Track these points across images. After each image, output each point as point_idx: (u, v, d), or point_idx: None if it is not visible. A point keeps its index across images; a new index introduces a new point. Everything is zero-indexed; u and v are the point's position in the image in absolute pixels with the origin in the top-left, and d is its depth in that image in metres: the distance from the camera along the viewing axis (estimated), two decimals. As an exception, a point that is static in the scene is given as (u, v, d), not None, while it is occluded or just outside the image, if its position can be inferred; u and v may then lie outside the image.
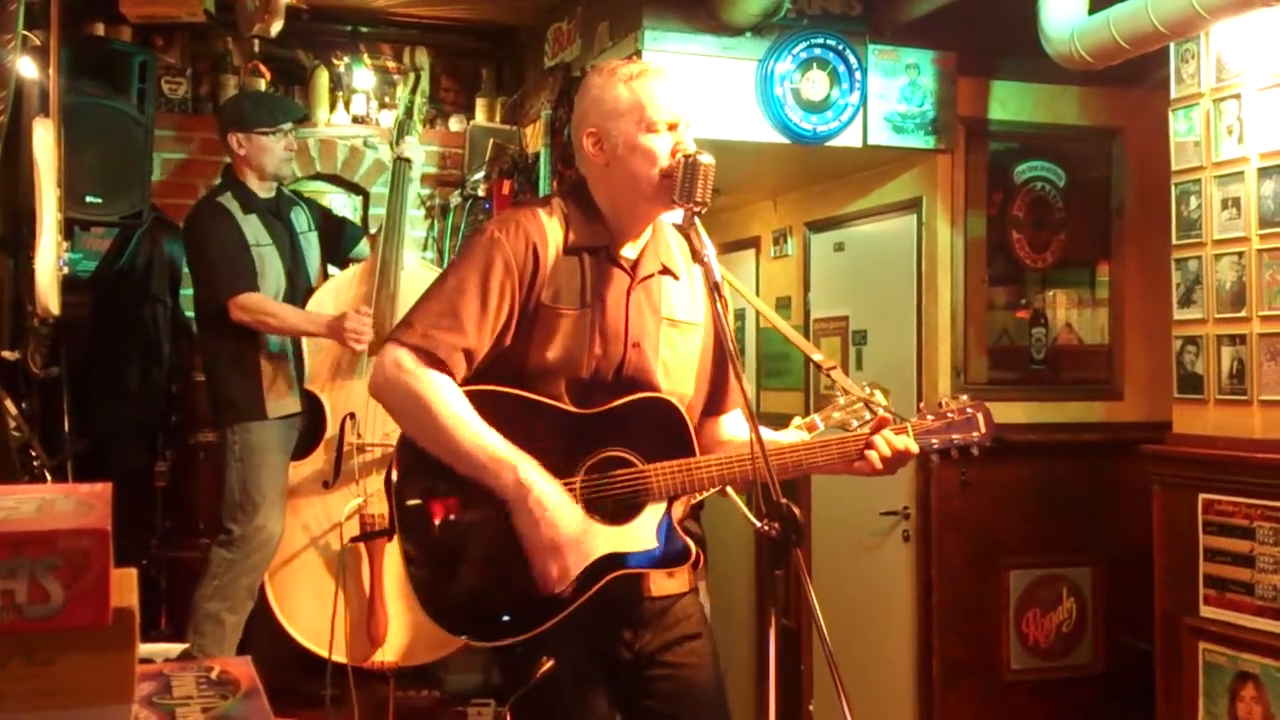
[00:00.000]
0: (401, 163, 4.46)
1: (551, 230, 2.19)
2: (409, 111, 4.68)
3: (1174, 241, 3.58)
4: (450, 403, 2.05)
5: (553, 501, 2.03)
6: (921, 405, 2.42)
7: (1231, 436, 3.36)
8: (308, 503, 4.15)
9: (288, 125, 4.29)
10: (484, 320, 2.11)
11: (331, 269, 4.49)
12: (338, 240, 4.53)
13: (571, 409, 2.15)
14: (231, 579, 3.99)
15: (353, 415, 4.14)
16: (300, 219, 4.37)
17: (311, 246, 4.37)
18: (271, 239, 4.20)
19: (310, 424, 4.20)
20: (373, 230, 4.65)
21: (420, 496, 2.17)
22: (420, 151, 4.61)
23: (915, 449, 2.28)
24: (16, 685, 1.00)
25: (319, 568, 4.13)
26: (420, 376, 2.06)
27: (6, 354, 3.98)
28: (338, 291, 4.25)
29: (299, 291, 4.23)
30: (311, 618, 4.08)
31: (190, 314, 4.93)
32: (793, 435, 2.46)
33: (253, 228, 4.17)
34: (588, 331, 2.16)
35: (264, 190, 4.26)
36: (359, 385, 4.13)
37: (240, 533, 4.00)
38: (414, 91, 4.75)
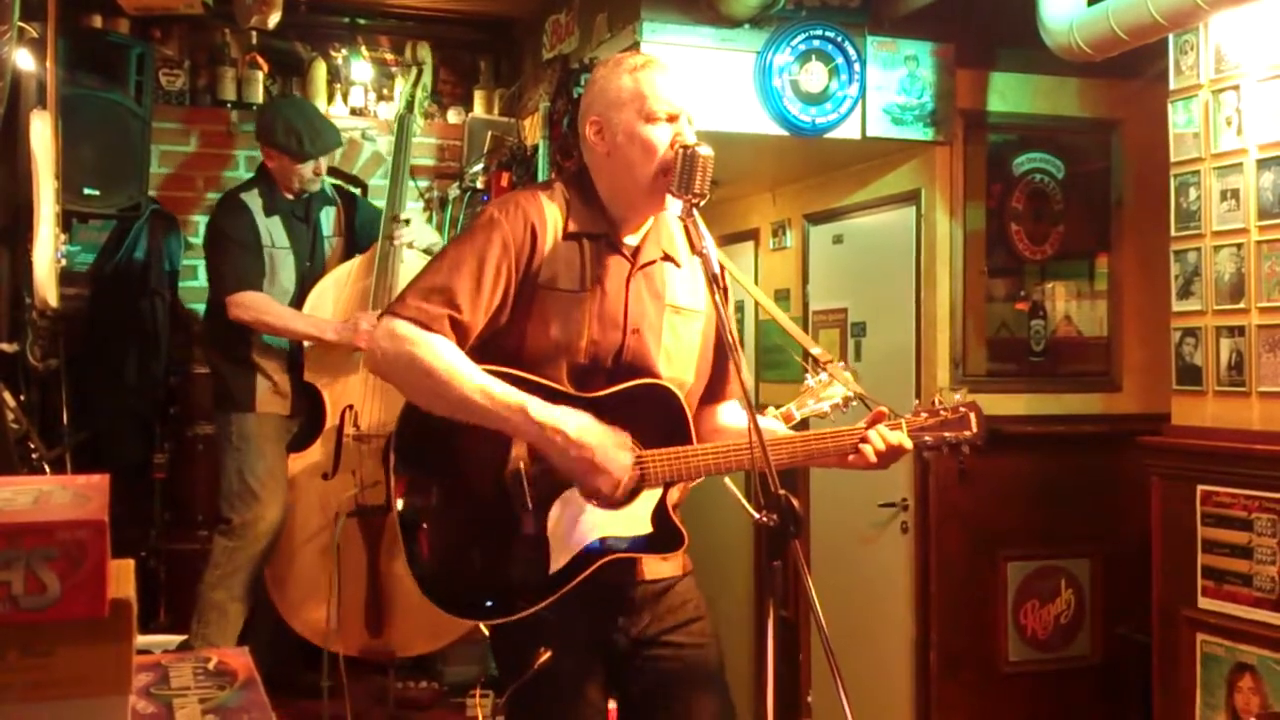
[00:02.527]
0: (396, 242, 4.28)
1: (551, 213, 2.19)
2: (410, 106, 4.64)
3: (1173, 233, 3.57)
4: (449, 359, 2.07)
5: (570, 425, 2.06)
6: (916, 403, 2.43)
7: (1230, 428, 3.37)
8: (308, 494, 4.16)
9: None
10: (478, 297, 2.11)
11: None
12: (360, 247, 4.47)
13: (571, 391, 2.16)
14: (233, 568, 4.01)
15: (351, 407, 4.15)
16: (328, 222, 4.37)
17: (333, 251, 4.38)
18: (290, 243, 4.21)
19: (310, 416, 4.21)
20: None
21: (419, 473, 2.19)
22: (430, 234, 4.54)
23: (909, 445, 2.29)
24: (13, 676, 1.01)
25: (319, 559, 4.13)
26: (415, 340, 2.07)
27: (5, 346, 3.98)
28: (337, 284, 4.24)
29: (308, 294, 4.23)
30: (311, 608, 4.09)
31: (189, 306, 4.94)
32: (771, 424, 2.46)
33: (271, 229, 4.19)
34: (585, 315, 2.17)
35: (291, 194, 4.27)
36: (357, 378, 4.14)
37: (240, 521, 4.02)
38: (415, 85, 4.71)
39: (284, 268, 4.19)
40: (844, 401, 2.76)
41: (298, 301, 4.19)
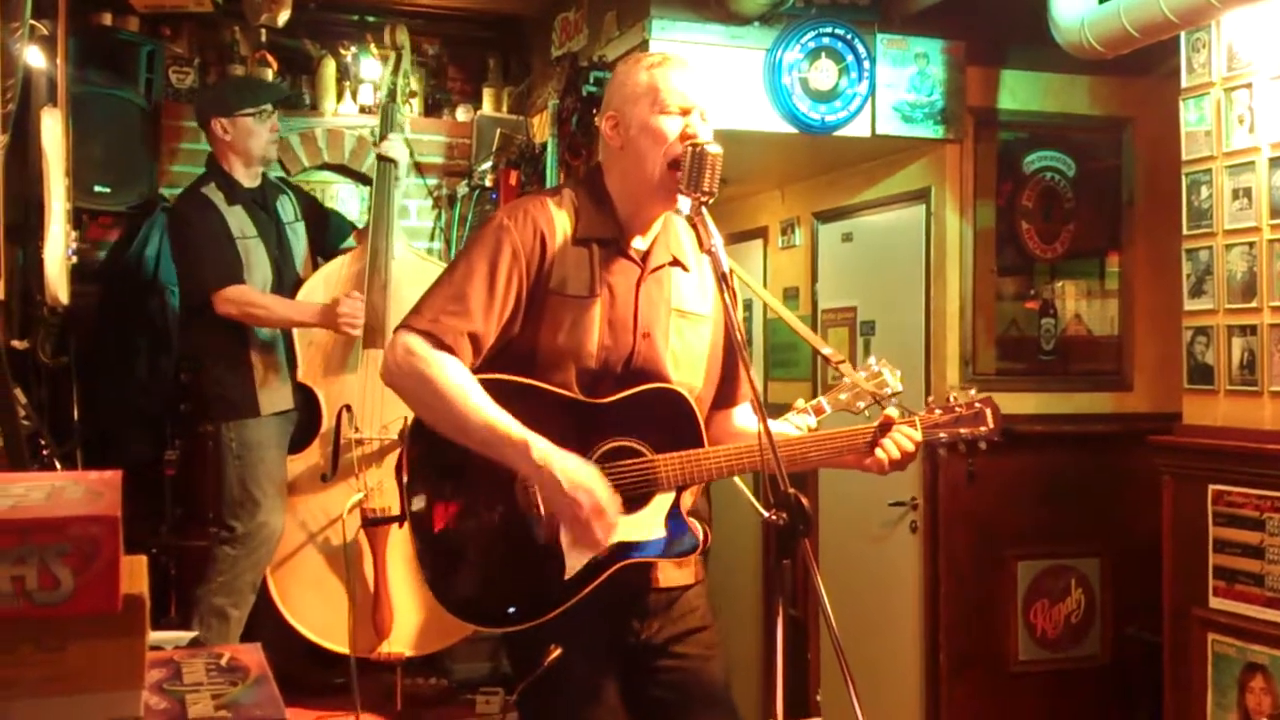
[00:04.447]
0: (385, 163, 4.29)
1: (560, 220, 2.20)
2: (391, 94, 4.52)
3: (1185, 231, 3.56)
4: (460, 384, 2.06)
5: (570, 474, 2.04)
6: (930, 399, 2.43)
7: (1242, 428, 3.35)
8: (307, 497, 4.12)
9: (269, 106, 4.21)
10: (491, 306, 2.11)
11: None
12: (323, 232, 4.45)
13: (581, 398, 2.16)
14: (236, 575, 3.98)
15: (348, 408, 4.09)
16: (286, 208, 4.29)
17: (299, 237, 4.29)
18: (257, 230, 4.12)
19: (305, 418, 4.16)
20: (360, 226, 4.53)
21: (431, 483, 2.18)
22: (404, 150, 4.42)
23: (919, 437, 2.30)
24: (27, 671, 1.01)
25: (321, 562, 4.11)
26: (429, 360, 2.07)
27: (16, 343, 3.98)
28: (327, 281, 4.18)
29: (286, 283, 4.16)
30: (315, 611, 4.07)
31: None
32: (799, 418, 2.46)
33: (238, 219, 4.09)
34: (596, 320, 2.17)
35: (249, 179, 4.18)
36: (353, 378, 4.10)
37: (243, 530, 3.97)
38: (396, 72, 4.57)
39: (258, 258, 4.09)
40: (877, 398, 2.74)
41: (278, 291, 4.11)
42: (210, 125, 4.15)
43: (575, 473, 2.04)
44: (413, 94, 5.29)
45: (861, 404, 2.68)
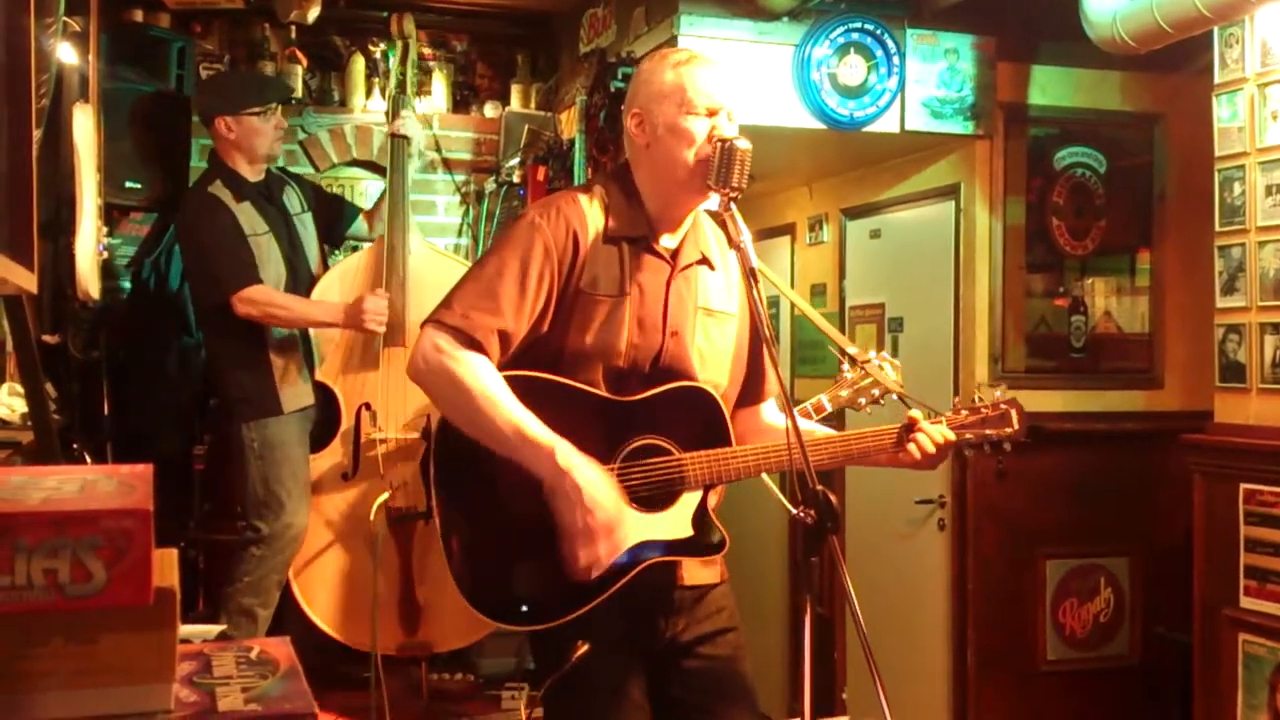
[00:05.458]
0: (399, 140, 4.27)
1: (592, 216, 2.19)
2: (401, 85, 4.49)
3: (1217, 228, 3.53)
4: (487, 385, 2.06)
5: (590, 486, 2.02)
6: (956, 400, 2.43)
7: (1274, 426, 3.32)
8: (328, 497, 4.11)
9: (274, 104, 4.16)
10: (522, 303, 2.11)
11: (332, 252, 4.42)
12: (335, 220, 4.41)
13: (609, 396, 2.15)
14: (262, 575, 3.98)
15: (368, 405, 4.08)
16: (293, 200, 4.22)
17: (308, 229, 4.23)
18: (268, 226, 4.06)
19: (324, 416, 4.14)
20: (368, 207, 4.51)
21: (458, 480, 2.18)
22: (418, 127, 4.37)
23: (953, 437, 2.29)
24: (58, 664, 1.02)
25: (344, 561, 4.10)
26: (457, 358, 2.07)
27: (48, 338, 4.01)
28: (343, 279, 4.15)
29: (300, 278, 4.12)
30: (340, 610, 4.07)
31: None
32: (812, 425, 2.46)
33: (247, 215, 4.03)
34: (625, 319, 2.16)
35: (254, 174, 4.13)
36: (373, 375, 4.08)
37: (269, 530, 3.96)
38: (404, 61, 4.51)
39: (271, 254, 4.04)
40: (880, 395, 2.74)
41: (292, 287, 4.07)
42: (214, 123, 4.11)
43: (595, 488, 2.03)
44: (423, 85, 5.29)
45: (863, 400, 2.68)
